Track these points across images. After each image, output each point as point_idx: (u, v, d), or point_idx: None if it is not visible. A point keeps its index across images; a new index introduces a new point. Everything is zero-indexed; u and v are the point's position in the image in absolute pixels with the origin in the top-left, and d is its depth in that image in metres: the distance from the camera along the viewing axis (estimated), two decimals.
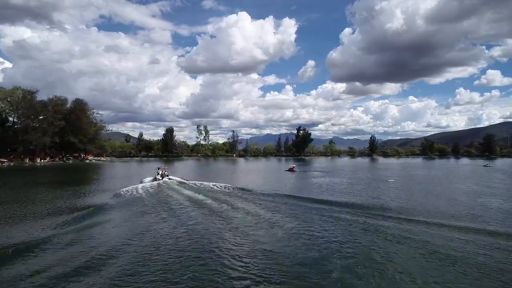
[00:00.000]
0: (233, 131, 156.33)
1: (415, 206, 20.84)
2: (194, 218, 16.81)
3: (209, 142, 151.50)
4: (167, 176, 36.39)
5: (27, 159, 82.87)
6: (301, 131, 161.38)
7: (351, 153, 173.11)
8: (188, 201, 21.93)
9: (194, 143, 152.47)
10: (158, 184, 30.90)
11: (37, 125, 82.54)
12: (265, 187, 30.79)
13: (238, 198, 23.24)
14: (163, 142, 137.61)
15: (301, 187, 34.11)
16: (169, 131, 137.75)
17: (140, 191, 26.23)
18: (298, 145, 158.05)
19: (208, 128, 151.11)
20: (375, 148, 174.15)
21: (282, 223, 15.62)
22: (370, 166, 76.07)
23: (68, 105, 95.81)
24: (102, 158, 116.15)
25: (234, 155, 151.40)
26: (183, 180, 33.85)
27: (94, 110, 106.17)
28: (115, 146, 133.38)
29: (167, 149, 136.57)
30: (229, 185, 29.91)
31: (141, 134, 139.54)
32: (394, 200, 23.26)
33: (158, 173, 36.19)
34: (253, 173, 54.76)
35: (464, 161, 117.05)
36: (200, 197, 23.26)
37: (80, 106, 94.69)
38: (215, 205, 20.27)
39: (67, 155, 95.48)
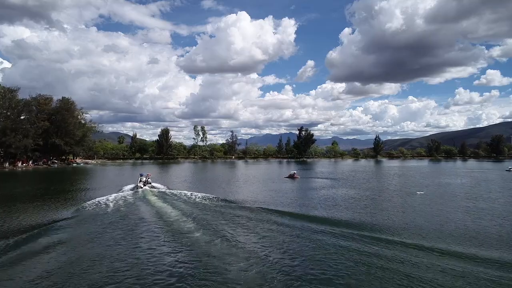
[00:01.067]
0: (232, 132, 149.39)
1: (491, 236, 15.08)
2: (155, 242, 14.69)
3: (207, 143, 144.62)
4: (150, 183, 35.13)
5: (7, 164, 75.92)
6: (303, 132, 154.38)
7: (355, 155, 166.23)
8: (156, 217, 19.79)
9: (193, 143, 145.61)
10: (135, 193, 29.17)
11: (17, 126, 75.26)
12: (258, 200, 27.32)
13: (221, 215, 20.35)
14: (157, 143, 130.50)
15: (305, 201, 28.16)
16: (164, 132, 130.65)
17: (110, 203, 24.37)
18: (299, 147, 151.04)
19: (208, 128, 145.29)
20: (379, 149, 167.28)
21: (274, 259, 12.26)
22: (381, 171, 69.33)
23: (54, 104, 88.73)
24: (92, 161, 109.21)
25: (233, 157, 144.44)
26: (165, 189, 32.15)
27: (83, 110, 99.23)
28: (107, 148, 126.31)
29: (162, 151, 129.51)
30: (216, 197, 27.43)
31: (135, 135, 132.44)
32: (449, 224, 16.90)
33: (141, 180, 34.74)
34: (249, 180, 48.70)
35: (475, 164, 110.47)
36: (174, 212, 20.94)
37: (66, 105, 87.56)
38: (189, 224, 17.71)
39: (53, 159, 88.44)
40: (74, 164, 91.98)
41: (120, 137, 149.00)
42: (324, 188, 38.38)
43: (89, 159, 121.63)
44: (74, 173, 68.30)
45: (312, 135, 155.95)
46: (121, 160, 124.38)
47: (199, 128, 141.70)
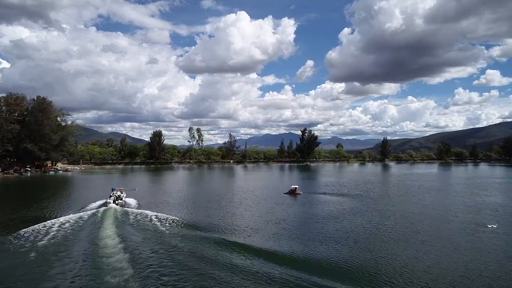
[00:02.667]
0: (230, 134, 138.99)
1: None
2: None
3: (203, 147, 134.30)
4: (122, 199, 33.29)
5: None
6: (306, 134, 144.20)
7: (361, 159, 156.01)
8: (91, 253, 17.02)
9: (188, 146, 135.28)
10: (94, 214, 26.66)
11: None
12: (243, 232, 22.58)
13: (177, 252, 17.21)
14: (149, 147, 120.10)
15: (310, 238, 21.06)
16: (157, 135, 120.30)
17: (54, 228, 22.25)
18: (303, 150, 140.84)
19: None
20: (387, 152, 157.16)
21: None
22: (401, 181, 59.05)
23: (28, 104, 78.36)
24: (76, 167, 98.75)
25: (231, 161, 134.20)
26: (134, 209, 29.91)
27: (64, 111, 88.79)
28: (94, 152, 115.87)
29: (154, 155, 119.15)
30: (188, 223, 24.37)
31: (124, 139, 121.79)
32: None
33: (112, 195, 33.00)
34: (241, 198, 39.39)
35: (496, 170, 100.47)
36: (119, 246, 18.02)
37: (41, 106, 77.07)
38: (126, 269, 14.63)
39: (28, 166, 77.93)
40: (52, 172, 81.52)
41: (109, 140, 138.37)
42: (336, 214, 29.12)
43: (74, 164, 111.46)
44: (43, 184, 59.02)
45: (316, 137, 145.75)
46: (110, 166, 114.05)
47: (194, 130, 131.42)
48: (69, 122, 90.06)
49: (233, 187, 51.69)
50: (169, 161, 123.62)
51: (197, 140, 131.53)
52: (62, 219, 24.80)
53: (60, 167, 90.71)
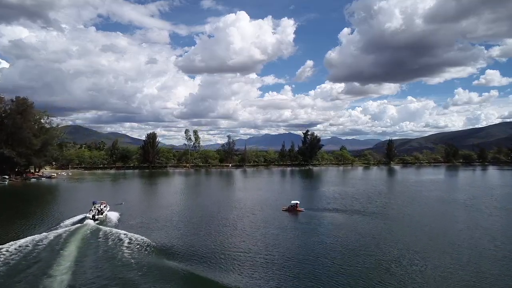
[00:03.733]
0: (228, 136, 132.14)
1: None
2: None
3: (200, 149, 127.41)
4: (103, 213, 31.85)
5: None
6: (308, 136, 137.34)
7: (366, 162, 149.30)
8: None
9: (184, 150, 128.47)
10: (62, 234, 24.60)
11: None
12: (226, 272, 18.01)
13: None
14: (143, 150, 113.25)
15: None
16: (151, 137, 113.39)
17: (11, 249, 20.84)
18: (305, 153, 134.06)
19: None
20: (393, 155, 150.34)
21: None
22: (420, 192, 52.34)
23: (5, 105, 71.62)
24: (63, 173, 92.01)
25: (230, 165, 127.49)
26: (110, 227, 27.33)
27: (48, 113, 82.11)
28: (84, 156, 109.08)
29: (148, 159, 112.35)
30: (167, 248, 21.88)
31: (115, 141, 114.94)
32: None
33: (93, 209, 31.41)
34: (234, 216, 34.38)
35: (508, 174, 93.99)
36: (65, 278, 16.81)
37: (20, 107, 70.29)
38: None
39: (6, 174, 71.15)
40: (34, 180, 74.82)
41: (101, 143, 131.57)
42: (349, 244, 23.32)
43: (63, 169, 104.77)
44: (18, 195, 54.21)
45: (319, 139, 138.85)
46: (101, 170, 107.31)
47: (191, 132, 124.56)
48: (55, 125, 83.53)
49: (228, 201, 44.84)
50: (164, 165, 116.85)
51: (194, 143, 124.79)
52: (23, 241, 22.80)
53: (45, 173, 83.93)
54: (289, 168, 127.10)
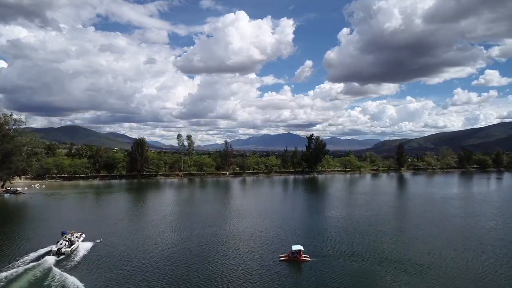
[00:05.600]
0: (226, 141, 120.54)
1: None
2: None
3: (194, 156, 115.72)
4: (73, 244, 28.86)
5: None
6: (313, 140, 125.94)
7: (375, 168, 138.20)
8: None
9: (176, 157, 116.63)
10: (5, 278, 22.30)
11: None
12: None
13: None
14: (130, 158, 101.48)
15: None
16: (138, 144, 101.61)
17: None
18: (309, 159, 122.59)
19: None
20: (404, 161, 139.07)
21: None
22: (455, 213, 41.07)
23: None
24: (36, 186, 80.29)
25: (228, 172, 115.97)
26: (68, 272, 23.97)
27: (16, 117, 70.36)
28: (63, 164, 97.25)
29: (135, 167, 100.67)
30: None
31: (100, 148, 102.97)
32: None
33: (61, 241, 28.57)
34: (211, 265, 23.16)
35: None
36: None
37: None
38: None
39: None
40: None
41: (83, 147, 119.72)
42: None
43: (39, 179, 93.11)
44: None
45: (325, 144, 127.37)
46: (82, 181, 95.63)
47: (184, 137, 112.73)
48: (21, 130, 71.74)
49: (214, 242, 33.36)
50: (154, 174, 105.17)
51: (187, 149, 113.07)
52: None
53: (12, 188, 72.09)
54: (292, 176, 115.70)
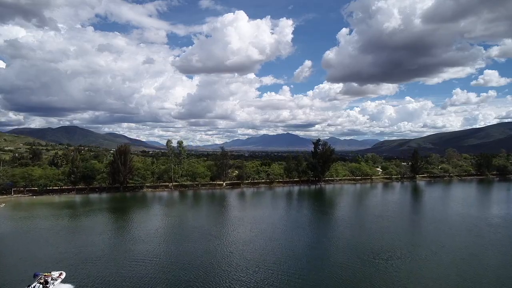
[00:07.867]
0: (222, 148, 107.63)
1: None
2: None
3: (186, 164, 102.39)
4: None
5: None
6: (320, 146, 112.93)
7: (387, 175, 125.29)
8: None
9: (165, 166, 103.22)
10: None
11: None
12: None
13: None
14: (111, 168, 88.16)
15: None
16: (121, 152, 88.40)
17: None
18: (316, 167, 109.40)
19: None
20: (419, 168, 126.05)
21: None
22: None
23: None
24: None
25: (224, 183, 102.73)
26: None
27: None
28: (33, 176, 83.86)
29: (118, 179, 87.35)
30: None
31: (75, 157, 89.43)
32: None
33: (35, 283, 24.85)
34: None
35: None
36: None
37: None
38: None
39: None
40: None
41: (58, 157, 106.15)
42: None
43: (2, 195, 79.74)
44: None
45: (332, 150, 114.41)
46: (58, 196, 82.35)
47: (173, 144, 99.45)
48: None
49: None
50: (140, 186, 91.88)
51: (180, 158, 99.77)
52: None
53: None
54: (296, 187, 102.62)
